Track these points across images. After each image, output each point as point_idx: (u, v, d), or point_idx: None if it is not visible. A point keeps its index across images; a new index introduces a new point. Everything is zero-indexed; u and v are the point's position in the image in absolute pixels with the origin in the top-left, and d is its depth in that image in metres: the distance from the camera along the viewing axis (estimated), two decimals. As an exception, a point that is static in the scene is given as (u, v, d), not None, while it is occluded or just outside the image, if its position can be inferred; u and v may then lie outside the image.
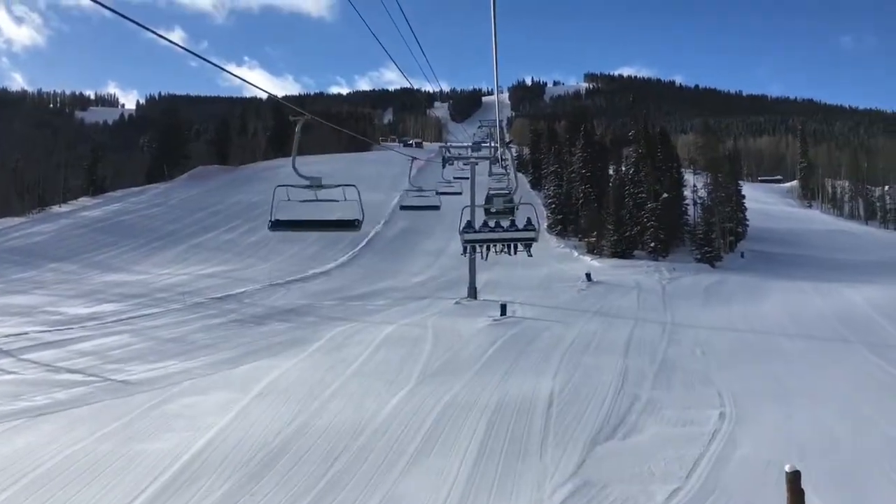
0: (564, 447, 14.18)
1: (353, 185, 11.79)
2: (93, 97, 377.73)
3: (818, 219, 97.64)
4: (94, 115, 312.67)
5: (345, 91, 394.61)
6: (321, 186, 11.25)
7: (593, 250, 57.28)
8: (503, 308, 33.07)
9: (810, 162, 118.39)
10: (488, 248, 22.89)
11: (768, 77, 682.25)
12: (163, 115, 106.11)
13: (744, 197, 66.95)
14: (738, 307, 37.33)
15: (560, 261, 55.93)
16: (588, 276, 45.86)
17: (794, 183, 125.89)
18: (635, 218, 57.43)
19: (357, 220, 11.88)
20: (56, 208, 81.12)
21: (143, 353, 24.65)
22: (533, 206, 21.37)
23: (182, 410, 16.85)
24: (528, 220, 20.34)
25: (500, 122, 38.65)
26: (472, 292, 39.51)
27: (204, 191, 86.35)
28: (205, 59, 8.00)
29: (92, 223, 71.30)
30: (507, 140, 46.07)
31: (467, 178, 39.41)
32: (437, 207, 28.65)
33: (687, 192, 65.04)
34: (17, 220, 73.32)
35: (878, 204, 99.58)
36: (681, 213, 61.37)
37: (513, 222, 21.31)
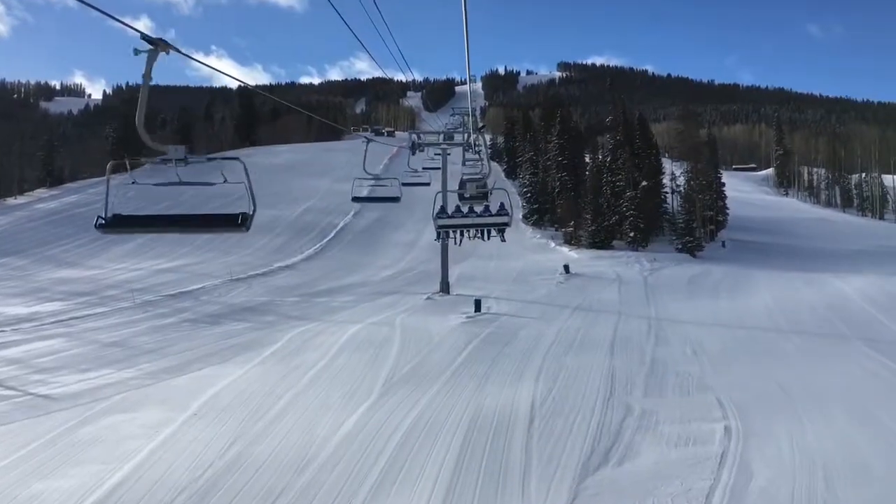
0: (551, 477, 11.94)
1: (237, 159, 8.63)
2: (58, 87, 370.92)
3: (796, 207, 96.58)
4: (59, 106, 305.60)
5: (316, 81, 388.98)
6: (185, 161, 7.84)
7: (571, 241, 55.26)
8: (477, 304, 30.84)
9: (786, 150, 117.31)
10: (462, 234, 22.60)
11: (737, 66, 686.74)
12: (123, 104, 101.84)
13: (723, 184, 65.27)
14: (724, 300, 35.49)
15: (536, 252, 53.86)
16: (566, 267, 43.81)
17: (770, 171, 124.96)
18: (613, 207, 55.45)
19: (244, 213, 8.20)
20: (11, 200, 77.63)
21: (77, 360, 22.06)
22: (506, 191, 20.16)
23: (102, 433, 14.40)
24: (502, 205, 20.02)
25: (474, 109, 36.78)
26: (445, 286, 37.29)
27: (165, 181, 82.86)
28: (176, 50, 7.27)
29: (47, 215, 68.12)
30: (480, 125, 44.10)
31: (438, 168, 36.89)
32: (396, 199, 25.28)
33: (664, 181, 63.26)
34: (-33, 212, 69.91)
35: (855, 191, 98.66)
36: (660, 201, 59.52)
37: (487, 207, 21.13)
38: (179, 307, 32.68)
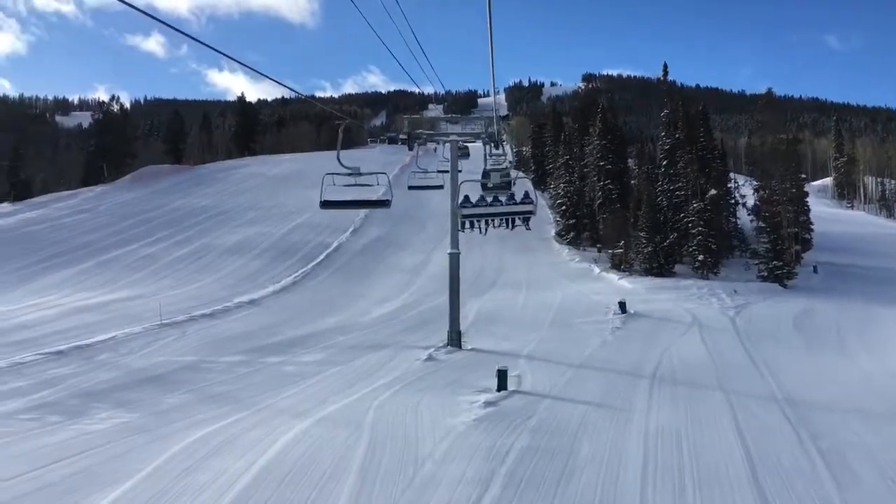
0: None
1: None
2: (76, 102, 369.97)
3: (871, 221, 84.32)
4: (73, 120, 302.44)
5: (335, 94, 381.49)
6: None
7: (620, 265, 43.75)
8: (501, 377, 19.39)
9: (851, 157, 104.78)
10: (487, 224, 23.39)
11: (754, 77, 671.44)
12: (108, 115, 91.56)
13: (806, 194, 53.37)
14: (864, 358, 24.25)
15: (577, 280, 42.50)
16: (622, 305, 32.45)
17: (827, 181, 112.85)
18: (672, 222, 43.99)
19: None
20: (-33, 216, 67.83)
21: None
22: (528, 179, 24.96)
23: None
24: (526, 194, 21.95)
25: (496, 109, 28.63)
26: (455, 337, 25.97)
27: (145, 194, 72.99)
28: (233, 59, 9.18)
29: (-5, 234, 58.01)
30: (503, 115, 34.90)
31: (449, 171, 27.29)
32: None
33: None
34: None
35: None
36: (729, 215, 48.01)
37: (511, 196, 22.54)
38: (51, 376, 21.73)
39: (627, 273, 42.32)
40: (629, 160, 59.05)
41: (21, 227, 59.30)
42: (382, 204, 20.65)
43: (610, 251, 45.95)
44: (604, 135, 52.89)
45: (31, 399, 19.21)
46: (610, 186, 50.95)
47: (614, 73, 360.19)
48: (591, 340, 26.76)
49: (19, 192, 75.13)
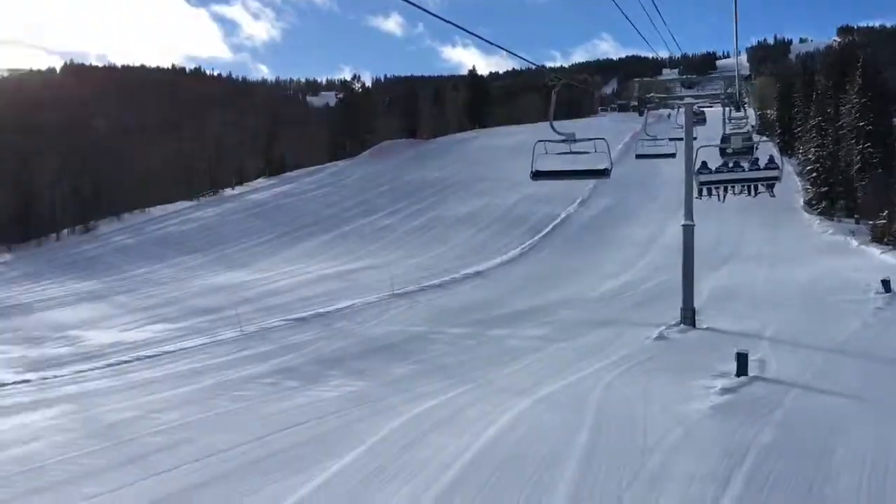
0: None
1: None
2: (324, 82, 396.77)
3: None
4: (322, 100, 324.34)
5: (565, 64, 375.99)
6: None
7: (883, 238, 38.98)
8: (741, 360, 17.66)
9: None
10: (726, 190, 23.15)
11: None
12: (348, 93, 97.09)
13: None
14: None
15: (830, 254, 38.49)
16: (885, 283, 28.75)
17: None
18: (947, 189, 38.47)
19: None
20: (229, 191, 75.24)
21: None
22: (773, 143, 23.60)
23: None
24: (771, 158, 21.16)
25: (738, 68, 27.64)
26: (688, 315, 24.29)
27: (382, 168, 76.66)
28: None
29: (252, 207, 63.93)
30: (746, 75, 32.71)
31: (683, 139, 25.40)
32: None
33: None
34: (185, 204, 67.80)
35: None
36: None
37: (755, 161, 21.76)
38: (293, 342, 23.18)
39: (892, 247, 37.58)
40: (894, 120, 52.53)
41: (274, 201, 64.85)
42: (601, 174, 17.38)
43: (870, 222, 41.04)
44: (863, 92, 47.24)
45: (273, 364, 20.50)
46: (870, 150, 45.48)
47: (875, 24, 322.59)
48: (847, 323, 23.89)
49: (274, 168, 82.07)
